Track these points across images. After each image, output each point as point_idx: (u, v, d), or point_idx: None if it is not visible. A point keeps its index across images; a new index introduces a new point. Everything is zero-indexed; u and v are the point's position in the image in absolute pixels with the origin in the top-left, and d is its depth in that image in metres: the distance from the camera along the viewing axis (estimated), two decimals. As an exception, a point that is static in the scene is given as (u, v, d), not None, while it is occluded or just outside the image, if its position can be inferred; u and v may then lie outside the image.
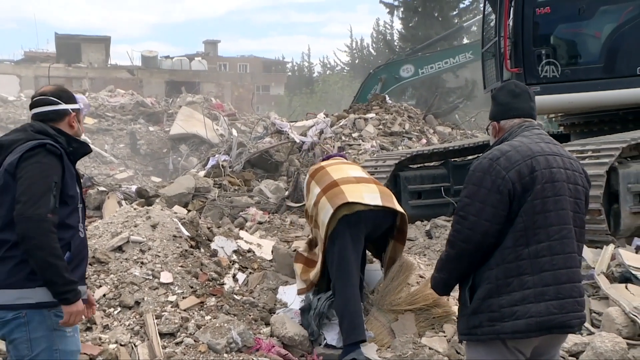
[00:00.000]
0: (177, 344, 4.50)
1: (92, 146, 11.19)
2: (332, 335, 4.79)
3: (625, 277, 5.46)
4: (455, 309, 5.12)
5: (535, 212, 2.75)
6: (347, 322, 4.53)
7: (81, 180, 3.14)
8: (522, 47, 8.23)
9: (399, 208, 4.91)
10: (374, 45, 54.30)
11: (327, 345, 4.75)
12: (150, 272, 5.15)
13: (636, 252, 5.86)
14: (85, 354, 4.26)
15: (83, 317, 2.95)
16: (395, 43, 37.86)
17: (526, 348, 2.85)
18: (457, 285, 3.04)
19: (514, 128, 3.00)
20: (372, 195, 4.77)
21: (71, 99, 3.07)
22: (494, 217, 2.75)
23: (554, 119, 10.61)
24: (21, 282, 2.76)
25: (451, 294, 5.39)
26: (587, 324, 5.01)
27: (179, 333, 4.62)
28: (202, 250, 5.80)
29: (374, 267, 5.34)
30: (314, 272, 5.05)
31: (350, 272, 4.67)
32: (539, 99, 8.16)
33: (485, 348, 2.84)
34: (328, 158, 5.67)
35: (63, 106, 3.01)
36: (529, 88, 3.19)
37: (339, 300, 4.64)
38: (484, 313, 2.78)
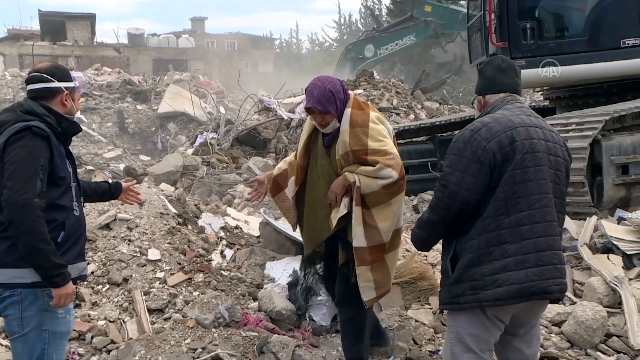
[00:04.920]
0: (165, 319, 4.55)
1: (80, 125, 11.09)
2: (319, 315, 4.83)
3: (607, 248, 5.54)
4: (441, 281, 5.20)
5: (515, 182, 2.81)
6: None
7: (74, 159, 3.13)
8: (507, 21, 8.23)
9: None
10: (362, 21, 54.05)
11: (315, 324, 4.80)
12: (138, 249, 5.18)
13: (618, 224, 5.93)
14: (74, 330, 4.31)
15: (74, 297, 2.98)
16: (384, 19, 37.65)
17: (505, 316, 2.92)
18: (440, 257, 3.10)
19: (497, 102, 3.05)
20: None
21: (65, 77, 3.04)
22: (474, 186, 2.81)
23: (540, 92, 10.65)
24: (16, 261, 2.78)
25: (436, 267, 5.48)
26: (569, 294, 5.10)
27: (167, 309, 4.67)
28: (189, 227, 5.83)
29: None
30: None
31: None
32: (525, 73, 8.22)
33: (466, 317, 2.91)
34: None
35: (55, 84, 2.99)
36: (515, 63, 3.23)
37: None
38: (466, 282, 2.85)
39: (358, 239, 3.57)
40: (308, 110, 3.69)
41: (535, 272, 2.81)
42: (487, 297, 2.81)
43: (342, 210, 3.58)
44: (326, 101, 3.59)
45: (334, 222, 3.60)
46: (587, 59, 8.01)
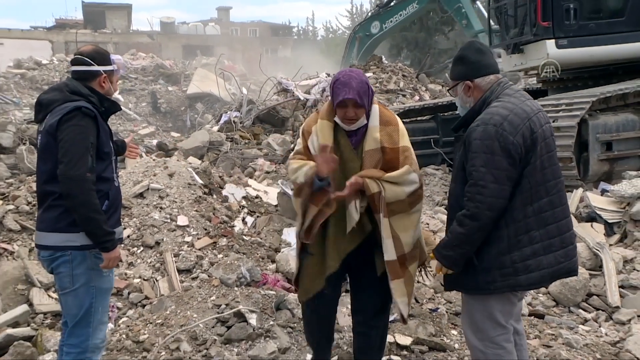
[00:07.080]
0: (193, 279, 4.61)
1: (116, 105, 11.06)
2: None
3: (591, 217, 5.53)
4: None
5: (536, 171, 2.66)
6: None
7: (113, 135, 3.14)
8: (551, 1, 7.86)
9: None
10: (372, 10, 53.36)
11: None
12: (168, 216, 5.22)
13: (601, 195, 5.89)
14: (113, 287, 4.38)
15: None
16: (392, 7, 37.02)
17: None
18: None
19: (493, 86, 2.79)
20: None
21: (105, 61, 3.01)
22: (509, 180, 2.60)
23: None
24: (67, 227, 2.82)
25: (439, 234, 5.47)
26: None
27: (194, 269, 4.72)
28: (214, 196, 5.86)
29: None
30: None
31: None
32: (567, 52, 7.85)
33: (496, 298, 2.78)
34: None
35: (95, 68, 2.97)
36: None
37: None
38: (495, 270, 2.68)
39: (389, 252, 2.99)
40: (341, 103, 2.95)
41: (561, 254, 2.69)
42: (520, 282, 2.67)
43: (355, 215, 2.94)
44: (364, 94, 2.97)
45: (348, 228, 2.97)
46: (625, 39, 7.67)
